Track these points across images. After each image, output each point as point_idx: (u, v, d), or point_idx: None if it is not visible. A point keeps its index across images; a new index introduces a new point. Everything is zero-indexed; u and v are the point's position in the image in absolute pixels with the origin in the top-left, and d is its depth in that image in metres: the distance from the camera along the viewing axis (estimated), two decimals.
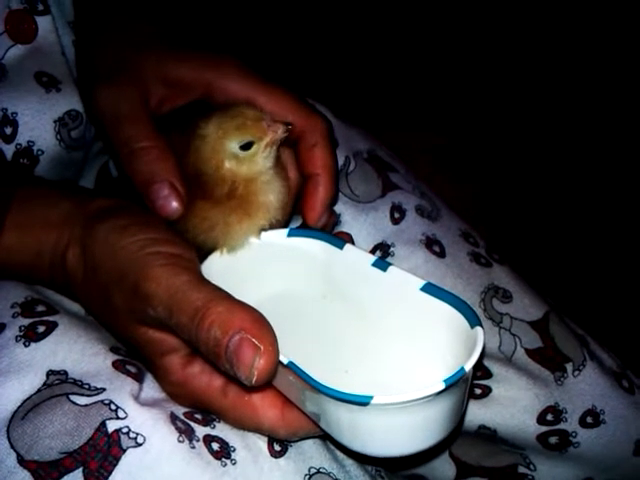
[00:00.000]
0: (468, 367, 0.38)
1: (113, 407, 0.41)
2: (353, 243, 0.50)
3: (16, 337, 0.44)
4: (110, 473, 0.39)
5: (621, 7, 1.38)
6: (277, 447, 0.45)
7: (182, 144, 0.50)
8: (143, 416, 0.41)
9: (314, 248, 0.50)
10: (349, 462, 0.48)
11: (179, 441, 0.41)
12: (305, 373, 0.38)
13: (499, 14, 1.41)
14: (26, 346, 0.43)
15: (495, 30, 1.41)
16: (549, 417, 0.57)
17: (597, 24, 1.38)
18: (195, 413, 0.44)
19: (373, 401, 0.36)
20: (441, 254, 0.60)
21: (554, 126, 1.34)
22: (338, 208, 0.59)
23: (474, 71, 1.39)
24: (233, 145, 0.46)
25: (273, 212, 0.49)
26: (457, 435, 0.58)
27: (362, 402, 0.36)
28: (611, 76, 1.37)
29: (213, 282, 0.41)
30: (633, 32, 1.36)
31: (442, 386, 0.36)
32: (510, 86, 1.37)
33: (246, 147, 0.47)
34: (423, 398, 0.36)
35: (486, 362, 0.57)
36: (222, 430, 0.44)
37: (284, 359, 0.39)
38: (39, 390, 0.41)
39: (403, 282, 0.45)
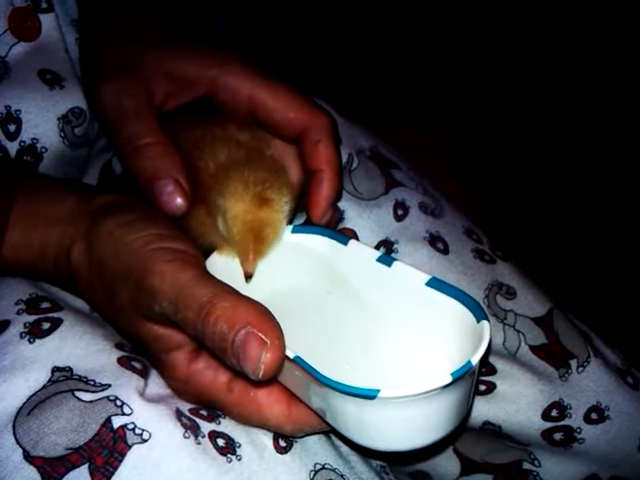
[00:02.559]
0: (475, 360, 0.37)
1: (118, 403, 0.41)
2: (357, 239, 0.50)
3: (21, 334, 0.44)
4: (116, 469, 0.39)
5: (621, 7, 1.38)
6: (282, 443, 0.45)
7: (185, 141, 0.50)
8: (149, 412, 0.41)
9: (318, 244, 0.50)
10: (354, 458, 0.48)
11: (185, 437, 0.41)
12: (311, 367, 0.38)
13: (513, 10, 1.41)
14: (31, 343, 0.43)
15: (509, 29, 1.41)
16: (554, 413, 0.57)
17: (603, 24, 1.38)
18: (200, 409, 0.44)
19: (380, 394, 0.36)
20: (445, 251, 0.60)
21: (558, 123, 1.34)
22: (341, 205, 0.59)
23: (478, 69, 1.39)
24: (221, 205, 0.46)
25: None
26: (462, 431, 0.58)
27: (369, 395, 0.36)
28: (617, 80, 1.37)
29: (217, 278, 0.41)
30: (634, 32, 1.36)
31: (449, 379, 0.36)
32: (514, 85, 1.37)
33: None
34: (430, 391, 0.36)
35: (490, 358, 0.57)
36: (227, 426, 0.44)
37: (290, 353, 0.39)
38: (44, 386, 0.41)
39: (408, 277, 0.45)
